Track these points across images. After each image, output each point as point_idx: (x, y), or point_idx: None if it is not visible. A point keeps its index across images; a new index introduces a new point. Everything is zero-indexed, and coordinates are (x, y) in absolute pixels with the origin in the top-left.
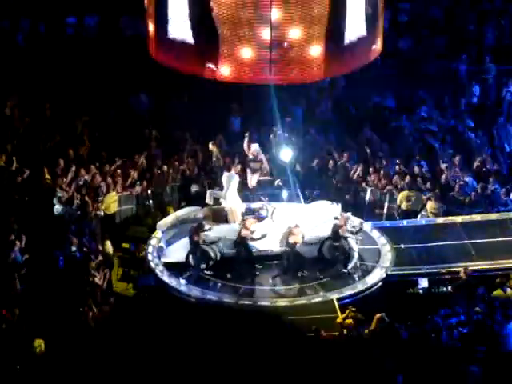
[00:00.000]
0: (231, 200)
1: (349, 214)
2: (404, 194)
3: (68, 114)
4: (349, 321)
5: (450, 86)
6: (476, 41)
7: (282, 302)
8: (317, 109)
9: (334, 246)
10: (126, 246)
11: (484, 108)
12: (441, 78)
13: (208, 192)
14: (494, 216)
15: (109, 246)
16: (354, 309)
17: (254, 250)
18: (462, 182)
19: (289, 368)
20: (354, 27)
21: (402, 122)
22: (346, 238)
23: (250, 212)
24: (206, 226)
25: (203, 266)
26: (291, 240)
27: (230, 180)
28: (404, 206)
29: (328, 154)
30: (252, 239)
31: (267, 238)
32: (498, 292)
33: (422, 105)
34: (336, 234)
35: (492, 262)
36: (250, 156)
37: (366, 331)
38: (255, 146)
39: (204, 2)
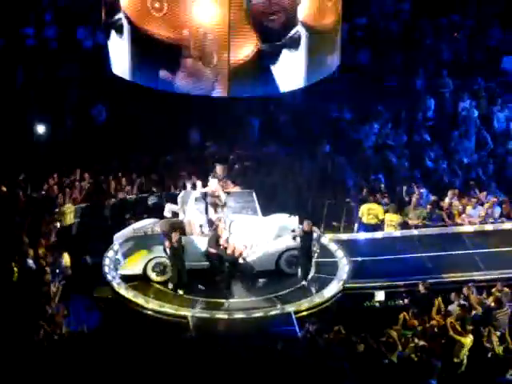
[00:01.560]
0: (189, 213)
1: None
2: (366, 206)
3: (25, 125)
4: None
5: (406, 100)
6: (433, 55)
7: (238, 315)
8: (275, 121)
9: (291, 258)
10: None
11: (440, 122)
12: (398, 92)
13: (166, 205)
14: (449, 229)
15: (66, 259)
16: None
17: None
18: (417, 195)
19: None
20: None
21: (360, 135)
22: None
23: (207, 224)
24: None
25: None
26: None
27: (186, 199)
28: (365, 219)
29: (287, 167)
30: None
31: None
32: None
33: (379, 119)
34: (305, 239)
35: (448, 276)
36: (209, 191)
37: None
38: (214, 182)
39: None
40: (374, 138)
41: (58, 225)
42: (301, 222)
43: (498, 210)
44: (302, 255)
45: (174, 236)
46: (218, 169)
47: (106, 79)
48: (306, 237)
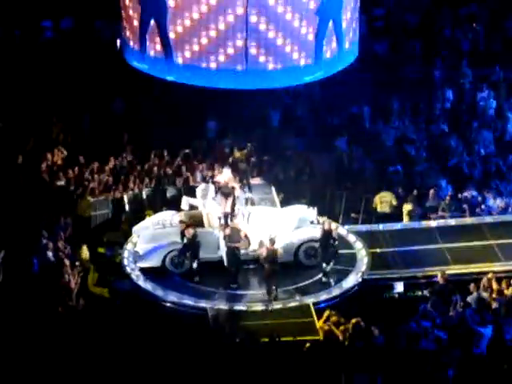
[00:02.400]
0: (208, 206)
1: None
2: (379, 196)
3: (44, 119)
4: (326, 327)
5: (424, 91)
6: (452, 46)
7: (257, 307)
8: (293, 114)
9: (310, 250)
10: (101, 250)
11: (459, 113)
12: (416, 82)
13: (183, 198)
14: (468, 220)
15: (85, 251)
16: (333, 312)
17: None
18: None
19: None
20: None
21: (378, 127)
22: (334, 243)
23: (223, 217)
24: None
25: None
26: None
27: (206, 192)
28: (379, 207)
29: (305, 159)
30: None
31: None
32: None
33: (398, 110)
34: (326, 238)
35: (467, 267)
36: (222, 182)
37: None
38: (227, 173)
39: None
40: (392, 131)
41: (78, 217)
42: (320, 214)
43: None
44: (323, 250)
45: (187, 232)
46: (238, 164)
47: (123, 72)
48: (328, 235)
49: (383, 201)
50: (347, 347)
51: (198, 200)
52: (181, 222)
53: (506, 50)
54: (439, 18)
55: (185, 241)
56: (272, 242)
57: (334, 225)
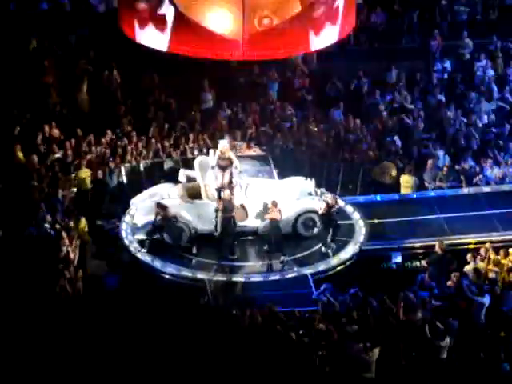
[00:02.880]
0: (207, 178)
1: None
2: (379, 166)
3: (39, 91)
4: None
5: (422, 62)
6: (449, 16)
7: (255, 278)
8: (291, 86)
9: (308, 221)
10: (99, 223)
11: (456, 83)
12: (413, 53)
13: (181, 170)
14: (466, 190)
15: (83, 223)
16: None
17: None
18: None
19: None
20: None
21: (376, 98)
22: (334, 218)
23: (220, 188)
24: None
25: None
26: (269, 216)
27: (204, 164)
28: (378, 178)
29: (303, 131)
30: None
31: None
32: (469, 267)
33: (396, 81)
34: (328, 214)
35: (465, 236)
36: (218, 153)
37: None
38: (223, 143)
39: None
40: (389, 101)
41: (75, 190)
42: (317, 186)
43: None
44: (326, 225)
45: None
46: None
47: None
48: (330, 211)
49: (383, 171)
50: (344, 316)
51: (196, 172)
52: (158, 204)
53: (503, 18)
54: None
55: (156, 221)
56: (274, 203)
57: (335, 198)
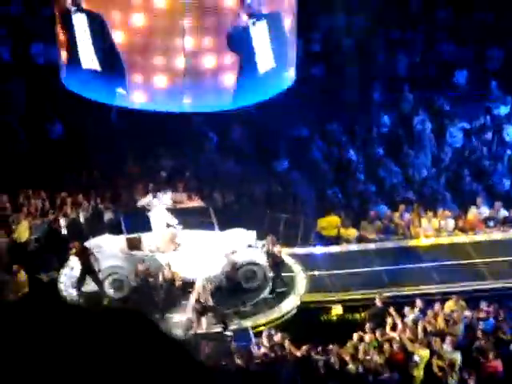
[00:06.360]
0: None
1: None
2: (323, 219)
3: None
4: None
5: (362, 115)
6: (389, 70)
7: (197, 330)
8: (229, 138)
9: (249, 273)
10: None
11: (396, 137)
12: (354, 106)
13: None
14: (404, 242)
15: (23, 275)
16: None
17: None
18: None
19: None
20: (264, 58)
21: (315, 151)
22: (280, 264)
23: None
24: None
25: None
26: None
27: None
28: (323, 232)
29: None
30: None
31: (182, 266)
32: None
33: (336, 133)
34: (274, 260)
35: (403, 289)
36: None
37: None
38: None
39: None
40: (331, 153)
41: (13, 241)
42: (259, 238)
43: (451, 223)
44: (271, 270)
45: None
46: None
47: (60, 95)
48: (272, 253)
49: (329, 225)
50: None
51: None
52: (72, 246)
53: (441, 73)
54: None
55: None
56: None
57: (278, 247)
